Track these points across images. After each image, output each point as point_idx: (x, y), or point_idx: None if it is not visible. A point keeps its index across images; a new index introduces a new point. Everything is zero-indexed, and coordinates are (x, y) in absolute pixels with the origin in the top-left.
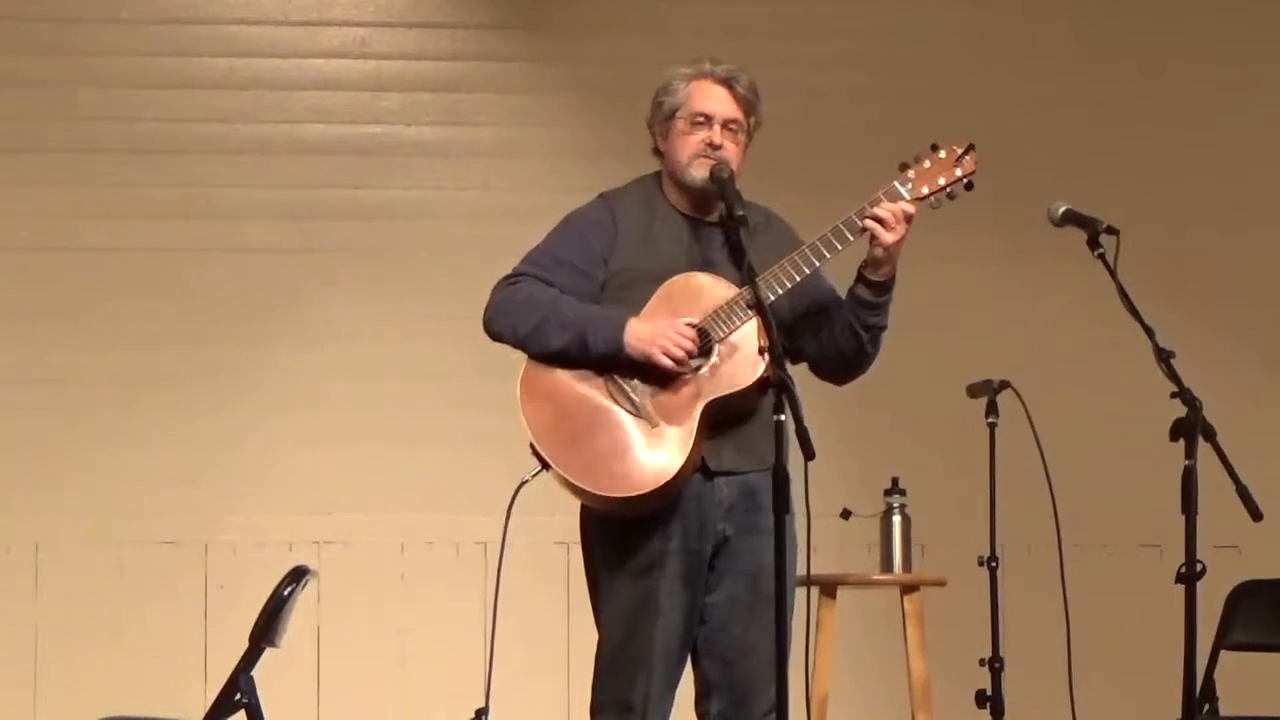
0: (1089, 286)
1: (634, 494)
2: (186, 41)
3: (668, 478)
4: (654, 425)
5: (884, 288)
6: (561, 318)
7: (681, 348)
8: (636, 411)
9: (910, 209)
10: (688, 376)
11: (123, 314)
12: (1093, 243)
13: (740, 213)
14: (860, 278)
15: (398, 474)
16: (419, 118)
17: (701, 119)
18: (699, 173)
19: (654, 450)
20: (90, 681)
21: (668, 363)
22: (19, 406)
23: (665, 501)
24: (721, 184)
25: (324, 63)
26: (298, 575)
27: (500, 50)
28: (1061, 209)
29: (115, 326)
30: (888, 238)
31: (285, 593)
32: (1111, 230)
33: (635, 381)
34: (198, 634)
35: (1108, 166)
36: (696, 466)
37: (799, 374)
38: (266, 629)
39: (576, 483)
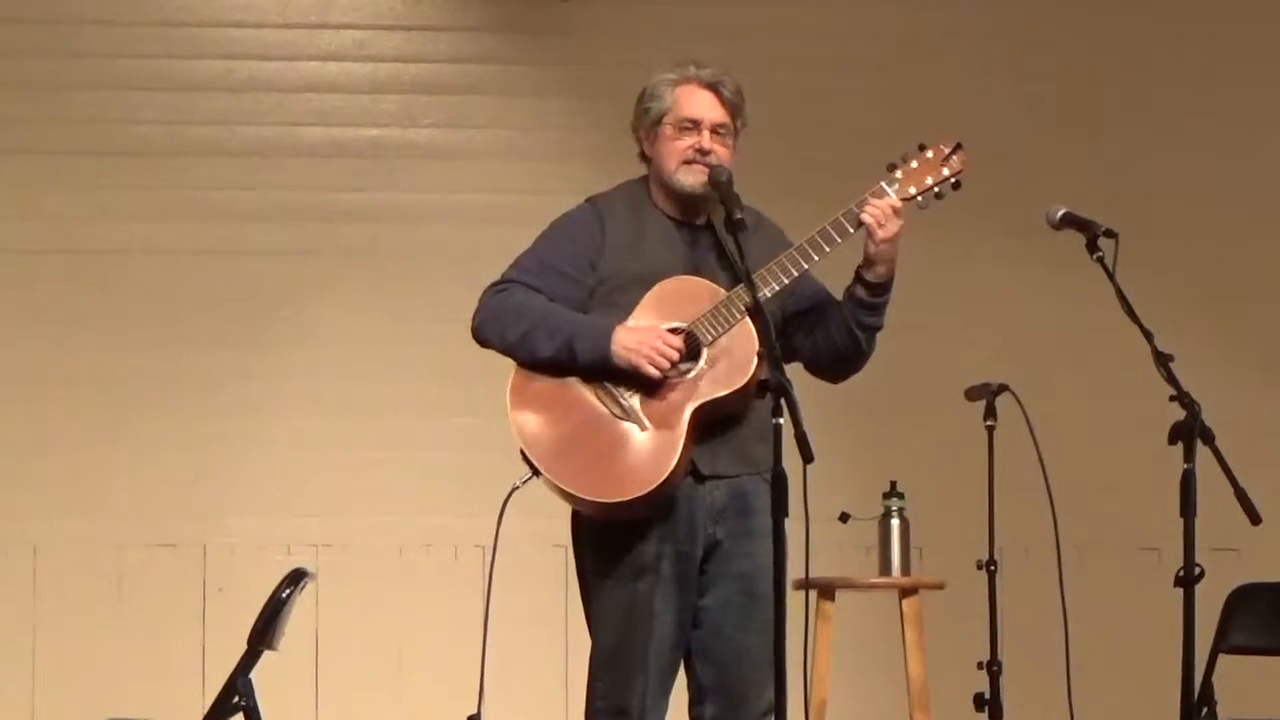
0: (1087, 290)
1: (623, 499)
2: (184, 44)
3: (657, 483)
4: (643, 430)
5: (882, 288)
6: (549, 326)
7: (666, 356)
8: (626, 417)
9: (896, 202)
10: (677, 381)
11: (121, 316)
12: (1091, 246)
13: (739, 216)
14: (858, 278)
15: (396, 477)
16: (417, 120)
17: (689, 124)
18: (686, 178)
19: (643, 456)
20: (88, 684)
21: (654, 372)
22: (18, 407)
23: (655, 506)
24: (722, 188)
25: (322, 65)
26: (296, 578)
27: (499, 53)
28: (1060, 212)
29: (113, 328)
30: (880, 234)
31: (283, 595)
32: (1110, 233)
33: (624, 387)
34: (196, 636)
35: (1107, 169)
36: (687, 471)
37: (798, 377)
38: (264, 632)
39: (566, 489)
